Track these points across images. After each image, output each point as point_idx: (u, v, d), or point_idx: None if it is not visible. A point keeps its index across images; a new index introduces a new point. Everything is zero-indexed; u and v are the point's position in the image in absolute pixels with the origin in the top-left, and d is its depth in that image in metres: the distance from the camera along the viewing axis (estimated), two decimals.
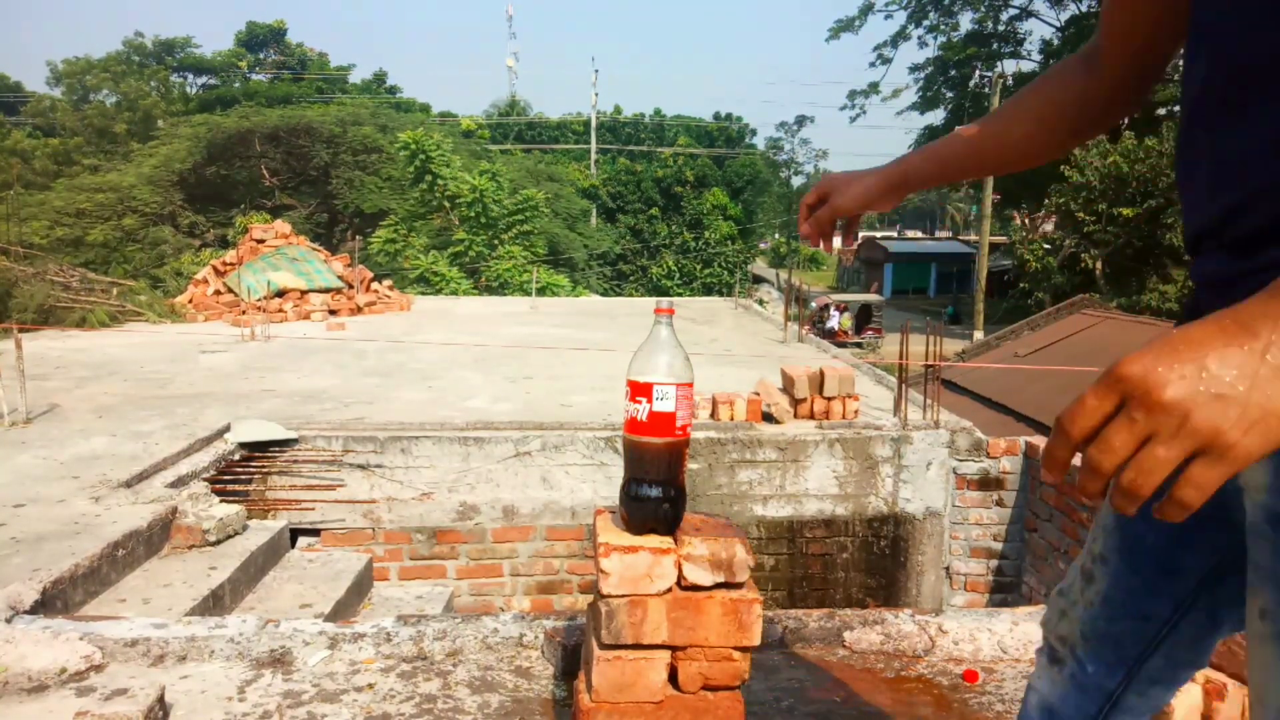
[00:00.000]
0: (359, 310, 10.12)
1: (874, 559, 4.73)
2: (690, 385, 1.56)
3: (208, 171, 20.96)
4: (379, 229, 18.95)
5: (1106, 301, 15.53)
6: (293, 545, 4.22)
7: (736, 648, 1.69)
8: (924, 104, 28.83)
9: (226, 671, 2.18)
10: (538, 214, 19.04)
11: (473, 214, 17.94)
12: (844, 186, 1.29)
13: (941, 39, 28.48)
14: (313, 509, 4.35)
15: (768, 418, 4.81)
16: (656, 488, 1.58)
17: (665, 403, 1.54)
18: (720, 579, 1.66)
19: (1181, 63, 0.92)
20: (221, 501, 3.75)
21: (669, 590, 1.66)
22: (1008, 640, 2.33)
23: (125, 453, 4.11)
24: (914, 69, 29.13)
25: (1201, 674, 1.87)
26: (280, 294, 9.72)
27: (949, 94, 28.73)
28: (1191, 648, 1.11)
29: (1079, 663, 1.19)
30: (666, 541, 1.69)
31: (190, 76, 39.25)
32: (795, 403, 4.90)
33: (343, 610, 3.62)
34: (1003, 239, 26.87)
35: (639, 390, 1.54)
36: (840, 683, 2.16)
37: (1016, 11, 28.26)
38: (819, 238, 1.35)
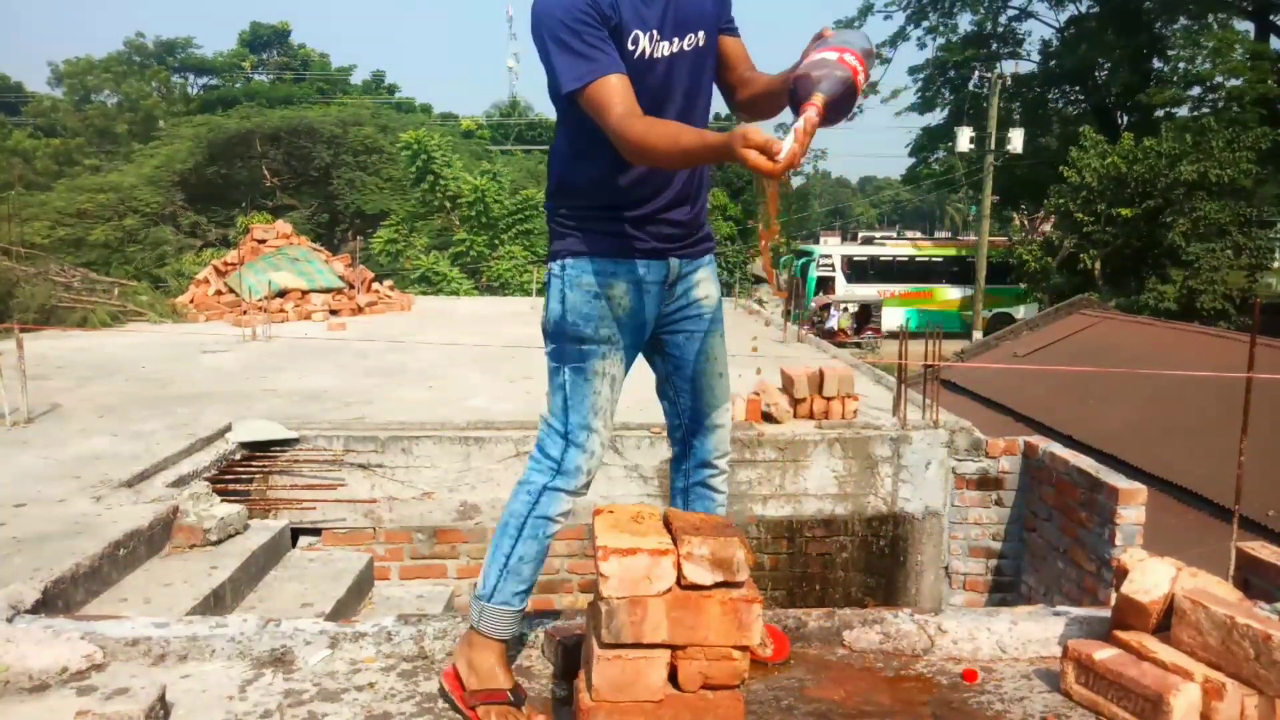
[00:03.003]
0: (360, 310, 10.12)
1: (873, 558, 4.74)
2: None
3: (209, 172, 20.98)
4: (380, 229, 18.97)
5: (1105, 301, 15.52)
6: (294, 545, 4.23)
7: (736, 647, 1.70)
8: (923, 105, 28.73)
9: (227, 671, 2.19)
10: (538, 214, 19.03)
11: (473, 214, 17.94)
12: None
13: (940, 40, 28.41)
14: (314, 508, 4.35)
15: (767, 417, 4.82)
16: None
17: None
18: (720, 578, 1.67)
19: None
20: (223, 501, 3.76)
21: (669, 590, 1.67)
22: (1007, 639, 2.34)
23: (126, 452, 4.12)
24: (913, 70, 29.06)
25: (1201, 673, 1.88)
26: (281, 294, 9.73)
27: (948, 95, 28.66)
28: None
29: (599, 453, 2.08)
30: (665, 542, 1.70)
31: (191, 77, 39.25)
32: (795, 402, 4.91)
33: (344, 609, 3.62)
34: (1002, 239, 26.74)
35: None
36: (840, 682, 2.17)
37: (1015, 12, 28.20)
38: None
